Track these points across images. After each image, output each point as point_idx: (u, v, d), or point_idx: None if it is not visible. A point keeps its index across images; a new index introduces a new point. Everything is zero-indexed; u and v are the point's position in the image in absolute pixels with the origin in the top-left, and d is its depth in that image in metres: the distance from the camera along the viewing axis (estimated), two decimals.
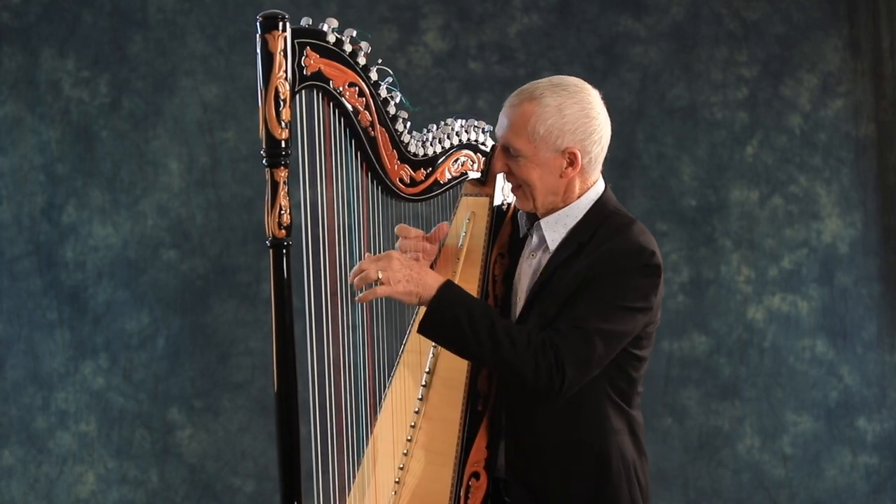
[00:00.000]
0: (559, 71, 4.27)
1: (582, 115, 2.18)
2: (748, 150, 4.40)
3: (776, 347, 4.40)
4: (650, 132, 4.37)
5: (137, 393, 4.26)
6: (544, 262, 2.25)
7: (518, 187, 2.26)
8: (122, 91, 4.24)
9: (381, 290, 2.10)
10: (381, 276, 2.09)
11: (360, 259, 2.18)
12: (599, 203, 2.24)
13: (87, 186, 4.23)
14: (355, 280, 2.12)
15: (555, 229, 2.24)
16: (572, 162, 2.19)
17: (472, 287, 2.33)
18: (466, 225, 2.45)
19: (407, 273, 2.10)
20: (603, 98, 2.25)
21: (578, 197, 2.24)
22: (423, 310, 2.14)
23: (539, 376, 2.07)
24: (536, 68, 4.30)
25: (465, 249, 2.41)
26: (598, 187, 2.26)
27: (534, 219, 2.30)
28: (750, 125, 4.39)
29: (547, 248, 2.26)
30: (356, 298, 2.11)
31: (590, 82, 2.25)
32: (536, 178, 2.21)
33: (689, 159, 4.39)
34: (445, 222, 2.41)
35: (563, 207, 2.24)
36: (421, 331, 2.14)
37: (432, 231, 2.40)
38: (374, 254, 2.28)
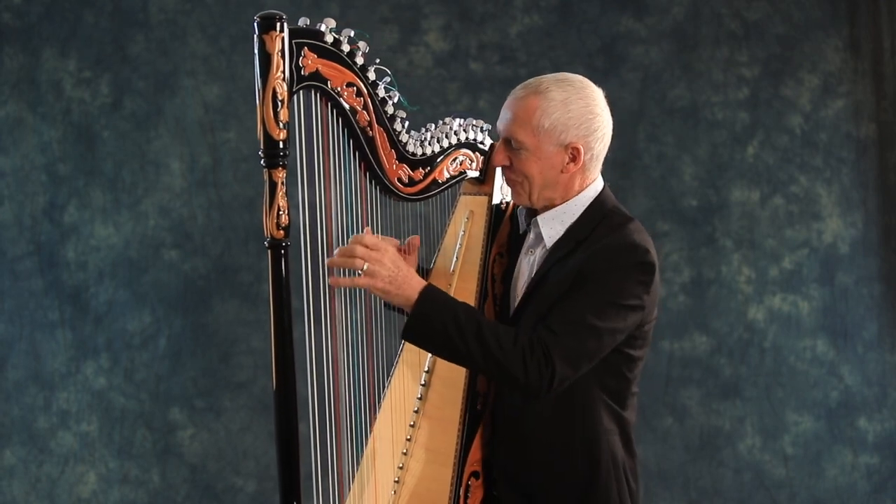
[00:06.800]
0: (560, 71, 4.28)
1: (586, 112, 2.18)
2: (749, 151, 4.40)
3: (777, 347, 4.40)
4: (651, 132, 4.37)
5: (139, 393, 4.26)
6: (541, 258, 2.24)
7: (515, 180, 2.24)
8: (123, 91, 4.24)
9: (360, 281, 2.05)
10: (365, 268, 2.04)
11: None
12: (598, 201, 2.23)
13: (89, 186, 4.23)
14: (338, 258, 2.06)
15: (552, 226, 2.23)
16: (574, 157, 2.18)
17: (471, 286, 2.32)
18: (465, 224, 2.44)
19: (393, 273, 2.05)
20: (606, 97, 2.25)
21: (577, 193, 2.23)
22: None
23: (528, 373, 2.03)
24: (537, 68, 4.30)
25: (463, 249, 2.40)
26: (597, 185, 2.25)
27: (532, 215, 2.29)
28: (751, 125, 4.39)
29: (544, 245, 2.24)
30: (329, 280, 2.05)
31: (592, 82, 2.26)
32: (537, 172, 2.19)
33: (689, 159, 4.39)
34: (416, 236, 2.39)
35: (561, 204, 2.23)
36: (405, 337, 2.08)
37: (406, 242, 2.37)
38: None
